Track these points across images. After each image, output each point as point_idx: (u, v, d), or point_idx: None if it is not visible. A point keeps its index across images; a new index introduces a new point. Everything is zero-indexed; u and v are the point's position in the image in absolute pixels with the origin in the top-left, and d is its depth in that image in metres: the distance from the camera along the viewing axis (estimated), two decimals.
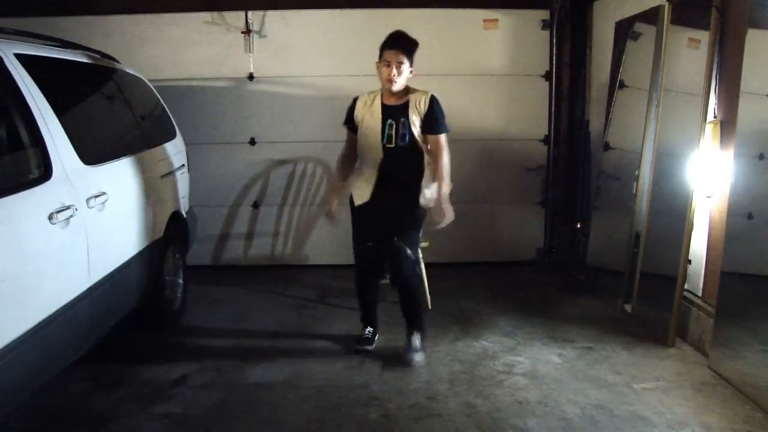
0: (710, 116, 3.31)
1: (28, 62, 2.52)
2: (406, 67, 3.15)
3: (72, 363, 2.61)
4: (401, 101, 3.22)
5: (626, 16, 4.30)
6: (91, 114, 3.25)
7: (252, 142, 5.02)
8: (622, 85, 4.41)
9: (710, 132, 3.28)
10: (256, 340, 3.61)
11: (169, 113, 4.12)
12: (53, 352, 2.38)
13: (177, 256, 3.86)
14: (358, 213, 3.34)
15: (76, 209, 2.48)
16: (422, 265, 3.70)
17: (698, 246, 3.42)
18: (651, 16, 3.90)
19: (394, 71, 3.12)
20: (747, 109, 3.03)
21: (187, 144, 4.24)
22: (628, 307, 3.95)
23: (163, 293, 3.57)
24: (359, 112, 3.28)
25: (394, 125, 3.19)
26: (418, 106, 3.19)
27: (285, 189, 5.09)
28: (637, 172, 3.95)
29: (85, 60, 3.24)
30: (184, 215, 3.99)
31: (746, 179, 3.06)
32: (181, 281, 3.92)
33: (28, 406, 2.74)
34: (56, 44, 3.09)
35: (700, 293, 3.44)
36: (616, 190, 4.48)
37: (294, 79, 4.95)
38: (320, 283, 4.71)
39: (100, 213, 2.70)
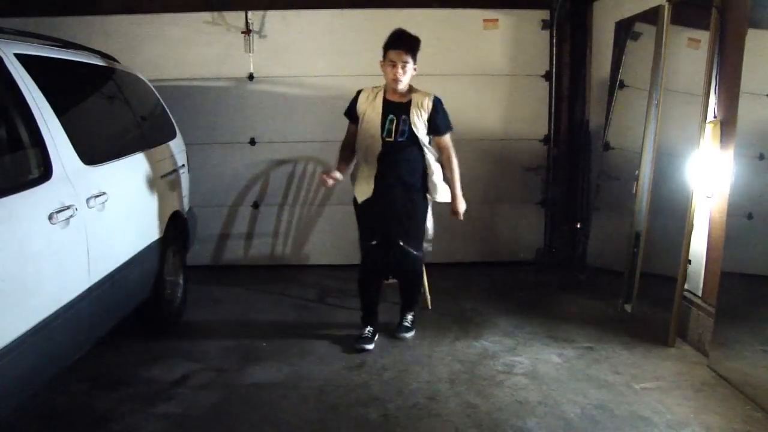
0: (710, 116, 3.31)
1: (28, 62, 2.51)
2: (410, 66, 3.25)
3: (72, 363, 2.61)
4: (404, 99, 3.32)
5: (626, 16, 4.30)
6: (91, 114, 3.25)
7: (252, 142, 5.02)
8: (622, 85, 4.41)
9: (710, 132, 3.28)
10: (256, 340, 3.61)
11: (169, 113, 4.12)
12: (53, 352, 2.37)
13: (177, 256, 3.86)
14: (362, 211, 3.39)
15: (76, 209, 2.48)
16: (423, 267, 3.71)
17: (698, 246, 3.41)
18: (651, 16, 3.90)
19: (400, 71, 3.21)
20: (747, 109, 3.03)
21: (187, 144, 4.24)
22: (628, 307, 3.95)
23: (163, 293, 3.57)
24: (361, 105, 3.35)
25: (395, 121, 3.28)
26: (420, 107, 3.28)
27: (285, 189, 5.09)
28: (637, 172, 3.95)
29: (85, 60, 3.23)
30: (184, 215, 3.99)
31: (746, 179, 3.06)
32: (181, 281, 3.92)
33: (28, 406, 2.74)
34: (56, 44, 3.09)
35: (700, 293, 3.44)
36: (616, 190, 4.47)
37: (294, 79, 4.96)
38: (320, 283, 4.71)
39: (100, 213, 2.70)
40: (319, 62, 4.91)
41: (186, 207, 4.09)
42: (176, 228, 3.79)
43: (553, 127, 5.06)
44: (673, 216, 3.50)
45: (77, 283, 2.50)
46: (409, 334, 3.60)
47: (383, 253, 3.38)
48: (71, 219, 2.44)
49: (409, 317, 3.67)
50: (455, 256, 5.00)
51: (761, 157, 3.07)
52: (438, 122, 3.33)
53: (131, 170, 3.23)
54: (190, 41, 4.85)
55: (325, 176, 3.34)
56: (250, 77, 4.93)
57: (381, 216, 3.36)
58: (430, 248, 3.74)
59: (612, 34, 4.47)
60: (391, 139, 3.28)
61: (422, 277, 3.76)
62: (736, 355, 3.11)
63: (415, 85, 3.38)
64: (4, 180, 2.22)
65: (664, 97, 3.65)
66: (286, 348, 3.50)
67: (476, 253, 5.18)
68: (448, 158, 3.40)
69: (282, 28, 4.88)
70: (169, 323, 3.72)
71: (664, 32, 3.67)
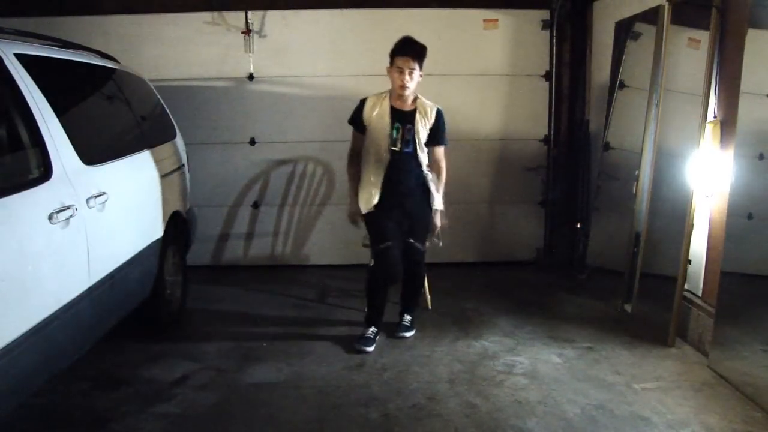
0: (710, 116, 3.31)
1: (28, 62, 2.51)
2: (417, 72, 3.28)
3: (72, 363, 2.61)
4: (410, 107, 3.37)
5: (626, 16, 4.30)
6: (91, 114, 3.25)
7: (252, 142, 5.02)
8: (622, 85, 4.41)
9: (710, 132, 3.28)
10: (256, 340, 3.61)
11: (169, 113, 4.12)
12: (53, 352, 2.37)
13: (177, 256, 3.86)
14: (371, 218, 3.42)
15: (76, 209, 2.48)
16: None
17: (698, 246, 3.42)
18: (651, 16, 3.90)
19: (407, 77, 3.24)
20: (747, 109, 3.03)
21: (187, 144, 4.24)
22: (628, 307, 3.95)
23: (163, 293, 3.57)
24: (367, 113, 3.37)
25: (401, 130, 3.32)
26: (425, 115, 3.35)
27: (285, 189, 5.09)
28: (637, 172, 3.95)
29: (85, 60, 3.23)
30: (184, 215, 3.99)
31: (746, 179, 3.06)
32: (181, 281, 3.92)
33: (28, 406, 2.73)
34: (56, 44, 3.08)
35: (700, 293, 3.44)
36: (616, 190, 4.47)
37: (294, 79, 4.95)
38: (320, 283, 4.71)
39: (100, 213, 2.70)
40: (318, 62, 4.91)
41: (186, 207, 4.09)
42: (176, 228, 3.79)
43: (553, 127, 5.06)
44: (673, 216, 3.50)
45: (77, 283, 2.50)
46: (409, 334, 3.63)
47: (396, 254, 3.39)
48: (71, 219, 2.44)
49: (409, 318, 3.70)
50: (455, 256, 5.00)
51: (761, 157, 3.07)
52: (439, 134, 3.41)
53: (131, 170, 3.23)
54: (190, 41, 4.85)
55: (353, 221, 3.54)
56: (250, 77, 4.93)
57: (391, 218, 3.38)
58: (440, 243, 3.68)
59: (612, 34, 4.47)
60: (397, 149, 3.32)
61: (424, 277, 3.77)
62: (736, 355, 3.11)
63: (418, 93, 3.40)
64: (4, 180, 2.22)
65: (664, 97, 3.65)
66: (286, 348, 3.50)
67: (476, 253, 5.18)
68: (440, 171, 3.47)
69: (282, 28, 4.88)
70: (169, 323, 3.72)
71: (664, 32, 3.67)
